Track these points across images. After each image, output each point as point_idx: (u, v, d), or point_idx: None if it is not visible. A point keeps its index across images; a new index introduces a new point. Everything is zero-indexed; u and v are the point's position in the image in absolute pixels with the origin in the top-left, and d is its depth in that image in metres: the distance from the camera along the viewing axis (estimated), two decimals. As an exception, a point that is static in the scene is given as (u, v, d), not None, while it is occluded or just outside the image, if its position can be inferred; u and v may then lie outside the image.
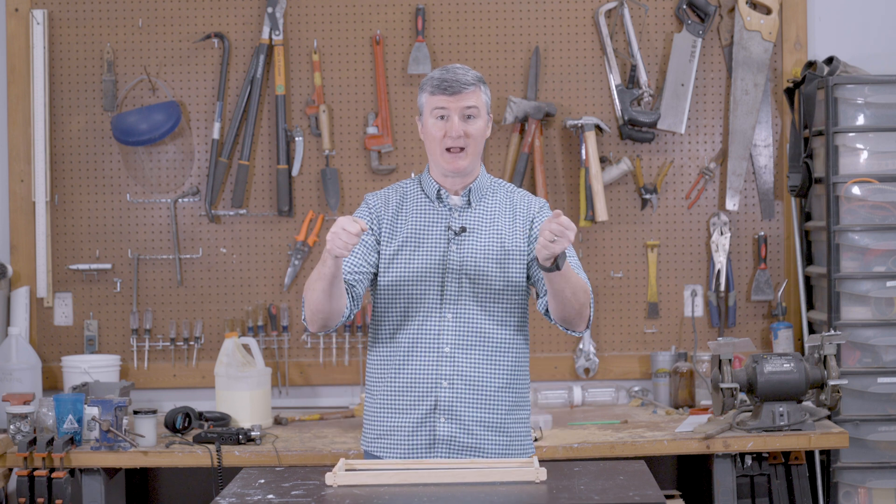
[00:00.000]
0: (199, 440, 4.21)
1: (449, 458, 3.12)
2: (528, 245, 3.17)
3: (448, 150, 3.12)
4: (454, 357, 3.13)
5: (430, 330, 3.13)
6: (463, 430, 3.13)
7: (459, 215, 3.18)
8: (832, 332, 4.36)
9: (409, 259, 3.15)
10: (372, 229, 3.18)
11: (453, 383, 3.13)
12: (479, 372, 3.13)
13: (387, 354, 3.18)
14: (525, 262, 3.16)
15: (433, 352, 3.13)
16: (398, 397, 3.16)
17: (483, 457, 3.13)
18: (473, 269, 3.13)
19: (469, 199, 3.19)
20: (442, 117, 3.11)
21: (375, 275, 3.18)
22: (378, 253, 3.17)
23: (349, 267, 3.13)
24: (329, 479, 2.84)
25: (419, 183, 3.23)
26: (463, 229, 3.15)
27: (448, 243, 3.15)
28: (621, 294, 4.92)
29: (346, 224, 2.86)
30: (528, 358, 3.22)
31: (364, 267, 3.15)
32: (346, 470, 2.90)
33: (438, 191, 3.19)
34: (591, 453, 4.12)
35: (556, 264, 2.89)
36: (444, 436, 3.13)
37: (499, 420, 3.16)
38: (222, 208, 4.87)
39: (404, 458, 3.13)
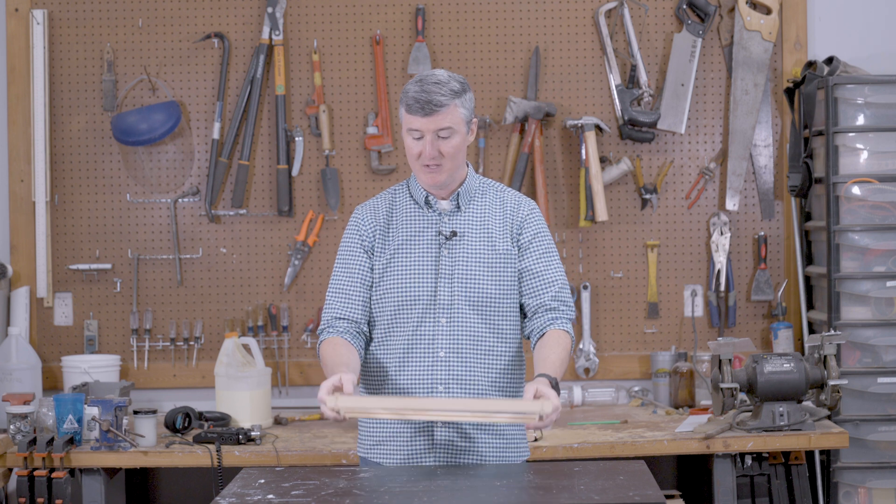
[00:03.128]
0: (199, 440, 4.21)
1: (448, 462, 3.12)
2: (519, 254, 3.17)
3: (426, 165, 3.11)
4: (449, 361, 3.11)
5: (425, 335, 3.12)
6: (460, 434, 3.12)
7: (449, 220, 3.17)
8: (832, 332, 4.36)
9: (403, 266, 3.14)
10: (364, 247, 3.18)
11: (449, 387, 3.11)
12: (473, 375, 3.12)
13: (382, 360, 3.17)
14: (516, 267, 3.16)
15: (428, 357, 3.12)
16: None
17: (480, 460, 3.13)
18: (465, 273, 3.12)
19: (458, 203, 3.17)
20: (417, 136, 3.09)
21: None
22: (373, 269, 3.17)
23: (356, 305, 3.15)
24: (331, 401, 2.83)
25: (408, 188, 3.22)
26: (454, 234, 3.14)
27: (439, 248, 3.14)
28: (621, 294, 4.91)
29: (326, 408, 2.87)
30: (523, 359, 3.21)
31: (367, 300, 3.17)
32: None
33: (427, 197, 3.17)
34: (591, 453, 4.11)
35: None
36: (442, 440, 3.12)
37: (494, 423, 3.15)
38: (222, 208, 4.87)
39: (404, 463, 3.13)
